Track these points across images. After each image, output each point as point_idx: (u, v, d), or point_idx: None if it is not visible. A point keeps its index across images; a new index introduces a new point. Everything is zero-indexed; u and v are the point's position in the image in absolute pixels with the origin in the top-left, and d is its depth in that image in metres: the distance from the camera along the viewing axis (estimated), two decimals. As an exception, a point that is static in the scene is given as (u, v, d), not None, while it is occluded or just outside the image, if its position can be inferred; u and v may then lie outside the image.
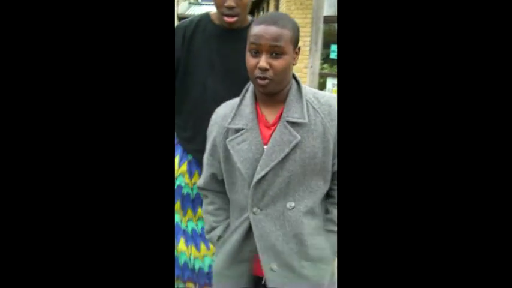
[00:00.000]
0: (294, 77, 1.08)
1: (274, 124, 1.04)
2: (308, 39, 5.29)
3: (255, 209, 1.05)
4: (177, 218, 1.57)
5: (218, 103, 1.18)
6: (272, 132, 1.03)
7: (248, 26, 1.33)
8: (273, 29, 0.95)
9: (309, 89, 1.09)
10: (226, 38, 1.40)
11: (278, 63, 0.97)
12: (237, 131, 1.05)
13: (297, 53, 1.03)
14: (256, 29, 0.97)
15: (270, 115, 1.07)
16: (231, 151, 1.05)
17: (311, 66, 4.75)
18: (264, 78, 0.97)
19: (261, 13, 11.12)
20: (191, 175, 1.56)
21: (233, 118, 1.06)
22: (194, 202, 1.56)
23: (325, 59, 5.37)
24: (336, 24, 5.45)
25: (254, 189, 1.03)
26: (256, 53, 0.97)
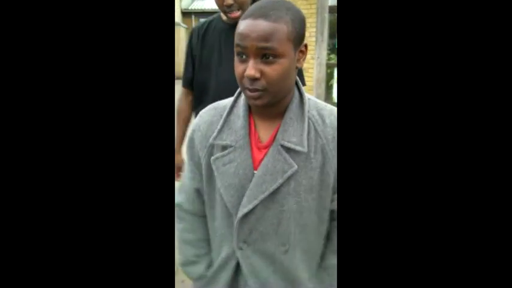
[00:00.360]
0: (297, 85, 0.86)
1: (268, 146, 0.83)
2: (314, 29, 5.22)
3: (241, 244, 0.87)
4: None
5: (231, 93, 1.01)
6: (264, 156, 0.83)
7: None
8: (262, 25, 0.71)
9: (313, 102, 0.87)
10: (233, 32, 1.45)
11: (272, 69, 0.74)
12: (224, 147, 0.84)
13: (302, 52, 0.79)
14: (241, 26, 0.74)
15: (264, 132, 0.85)
16: (215, 172, 0.85)
17: (318, 57, 4.69)
18: (254, 90, 0.75)
19: (264, 4, 11.05)
20: None
21: (220, 131, 0.85)
22: None
23: (332, 49, 5.32)
24: (342, 13, 5.38)
25: (239, 224, 0.84)
26: (243, 57, 0.75)
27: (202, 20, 1.62)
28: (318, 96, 4.81)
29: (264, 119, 0.85)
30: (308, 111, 0.84)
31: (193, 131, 0.91)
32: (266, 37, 0.71)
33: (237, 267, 0.91)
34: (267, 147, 0.83)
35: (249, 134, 0.84)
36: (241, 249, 0.87)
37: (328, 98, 5.46)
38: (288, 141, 0.80)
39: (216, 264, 0.93)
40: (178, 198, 0.99)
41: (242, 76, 0.75)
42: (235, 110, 0.86)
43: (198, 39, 1.54)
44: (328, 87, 5.49)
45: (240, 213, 0.83)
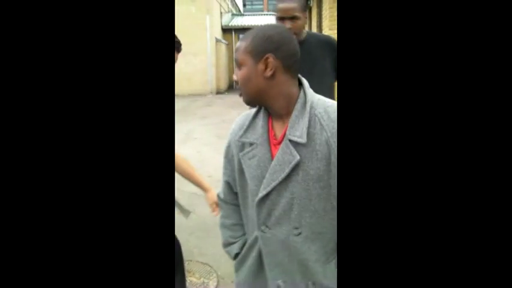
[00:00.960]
0: (303, 90, 1.00)
1: (280, 142, 0.98)
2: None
3: (263, 227, 1.02)
4: None
5: None
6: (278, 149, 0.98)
7: (305, 39, 1.80)
8: (242, 43, 0.97)
9: (322, 101, 0.99)
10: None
11: (239, 74, 0.98)
12: (250, 144, 1.01)
13: (265, 64, 0.93)
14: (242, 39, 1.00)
15: (279, 130, 1.00)
16: (243, 166, 1.02)
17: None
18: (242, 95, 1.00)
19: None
20: None
21: (245, 131, 1.02)
22: None
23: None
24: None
25: (258, 207, 0.99)
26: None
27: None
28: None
29: (278, 119, 1.00)
30: (314, 109, 0.97)
31: (230, 134, 1.09)
32: (236, 50, 0.98)
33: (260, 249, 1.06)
34: (280, 142, 0.97)
35: (268, 132, 1.01)
36: (263, 232, 1.02)
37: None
38: (293, 136, 0.94)
39: (247, 245, 1.10)
40: (218, 192, 1.21)
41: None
42: (259, 114, 1.03)
43: None
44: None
45: (257, 197, 0.98)
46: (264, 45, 0.93)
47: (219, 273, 2.41)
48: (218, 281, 2.34)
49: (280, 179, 0.95)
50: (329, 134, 0.95)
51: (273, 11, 1.81)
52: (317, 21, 8.03)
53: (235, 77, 0.99)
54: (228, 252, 1.18)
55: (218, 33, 15.40)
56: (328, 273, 1.02)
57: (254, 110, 1.05)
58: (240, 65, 0.96)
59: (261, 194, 0.97)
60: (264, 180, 0.97)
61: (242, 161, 1.02)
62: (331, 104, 0.99)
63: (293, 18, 1.71)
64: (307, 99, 0.97)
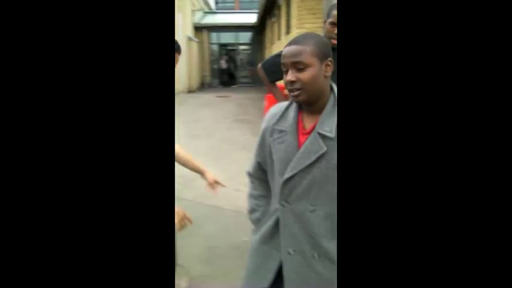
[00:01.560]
0: (332, 91, 1.17)
1: (309, 132, 1.15)
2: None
3: (283, 202, 1.19)
4: None
5: None
6: (306, 139, 1.15)
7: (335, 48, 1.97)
8: (293, 48, 1.10)
9: None
10: (335, 54, 1.98)
11: (303, 75, 1.09)
12: (280, 131, 1.19)
13: (328, 65, 1.12)
14: (285, 50, 1.12)
15: (308, 123, 1.17)
16: (273, 148, 1.20)
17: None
18: (294, 90, 1.11)
19: (273, 18, 11.20)
20: None
21: (278, 120, 1.20)
22: None
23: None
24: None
25: (283, 185, 1.17)
26: (286, 71, 1.12)
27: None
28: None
29: (308, 114, 1.18)
30: None
31: (264, 121, 1.28)
32: (296, 54, 1.09)
33: (277, 220, 1.22)
34: (309, 133, 1.15)
35: (297, 123, 1.18)
36: (282, 206, 1.19)
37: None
38: (323, 130, 1.12)
39: (268, 214, 1.28)
40: (248, 169, 1.40)
41: (286, 83, 1.11)
42: (291, 106, 1.21)
43: None
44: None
45: (284, 178, 1.16)
46: (326, 50, 1.12)
47: (191, 274, 2.41)
48: (190, 281, 2.34)
49: (305, 164, 1.12)
50: (331, 134, 1.13)
51: (328, 16, 1.98)
52: (286, 20, 8.09)
53: (292, 78, 1.10)
54: (251, 219, 1.38)
55: (190, 32, 15.25)
56: (331, 248, 1.17)
57: (286, 103, 1.23)
58: (306, 67, 1.09)
59: (287, 175, 1.15)
60: (291, 163, 1.14)
61: (272, 145, 1.20)
62: None
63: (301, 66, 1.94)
64: (335, 101, 1.15)
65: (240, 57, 18.48)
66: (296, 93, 1.10)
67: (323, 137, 1.11)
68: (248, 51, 18.49)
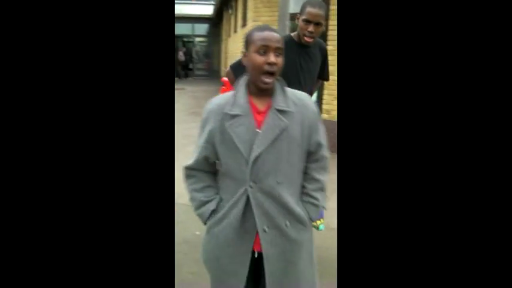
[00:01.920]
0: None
1: (265, 112, 1.25)
2: (276, 36, 5.33)
3: (251, 183, 1.24)
4: None
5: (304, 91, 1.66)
6: (264, 119, 1.24)
7: (314, 44, 2.09)
8: (276, 35, 1.21)
9: (287, 88, 1.31)
10: (305, 51, 2.11)
11: (280, 60, 1.22)
12: (234, 116, 1.23)
13: None
14: (264, 34, 1.21)
15: (260, 105, 1.27)
16: (231, 134, 1.22)
17: (279, 63, 4.80)
18: (272, 73, 1.20)
19: (229, 10, 11.10)
20: None
21: (231, 106, 1.24)
22: None
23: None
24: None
25: (252, 165, 1.22)
26: (263, 53, 1.20)
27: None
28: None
29: (259, 97, 1.28)
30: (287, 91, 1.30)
31: (208, 113, 1.29)
32: (279, 41, 1.21)
33: (247, 204, 1.26)
34: (265, 112, 1.25)
35: (251, 106, 1.26)
36: (251, 187, 1.24)
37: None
38: (280, 106, 1.24)
39: (228, 204, 1.28)
40: (188, 163, 1.36)
41: (263, 63, 1.19)
42: (238, 94, 1.27)
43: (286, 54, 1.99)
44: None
45: (252, 157, 1.21)
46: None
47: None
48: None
49: (271, 139, 1.21)
50: (301, 107, 1.27)
51: (301, 12, 1.98)
52: (242, 12, 8.05)
53: (275, 60, 1.20)
54: (201, 214, 1.34)
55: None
56: (298, 211, 1.29)
57: (230, 92, 1.30)
58: (280, 54, 1.23)
59: (255, 153, 1.21)
60: (257, 142, 1.21)
61: (229, 130, 1.22)
62: (293, 90, 1.33)
63: (318, 24, 1.95)
64: (281, 83, 1.30)
65: (196, 49, 18.22)
66: (271, 78, 1.21)
67: (281, 112, 1.23)
68: (204, 44, 18.27)
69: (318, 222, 2.07)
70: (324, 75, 2.31)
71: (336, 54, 3.94)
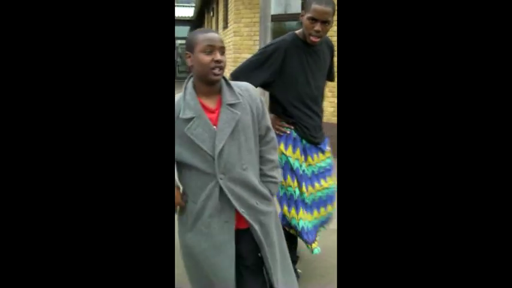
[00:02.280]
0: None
1: (216, 109, 1.37)
2: (257, 38, 5.32)
3: (221, 176, 1.36)
4: (297, 191, 1.98)
5: (314, 94, 1.91)
6: (217, 115, 1.36)
7: (320, 43, 1.95)
8: (219, 37, 1.36)
9: (231, 82, 1.44)
10: (312, 49, 1.98)
11: (225, 58, 1.36)
12: (189, 120, 1.32)
13: None
14: (210, 36, 1.34)
15: (211, 103, 1.38)
16: (191, 137, 1.32)
17: (262, 65, 4.78)
18: (220, 69, 1.32)
19: (211, 12, 11.06)
20: (306, 158, 2.02)
21: (184, 110, 1.33)
22: (311, 179, 2.02)
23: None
24: (285, 23, 5.54)
25: (218, 159, 1.34)
26: (209, 52, 1.32)
27: (281, 39, 2.01)
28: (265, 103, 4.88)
29: (208, 96, 1.39)
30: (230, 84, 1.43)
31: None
32: (222, 41, 1.35)
33: (219, 194, 1.38)
34: (216, 110, 1.37)
35: (201, 107, 1.35)
36: (221, 179, 1.36)
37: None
38: (230, 100, 1.36)
39: (200, 199, 1.39)
40: None
41: (211, 61, 1.31)
42: (187, 96, 1.37)
43: (284, 53, 1.91)
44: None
45: (216, 152, 1.33)
46: None
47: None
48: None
49: (229, 132, 1.34)
50: (246, 97, 1.41)
51: (305, 9, 1.82)
52: (223, 14, 8.02)
53: (220, 58, 1.32)
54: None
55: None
56: (261, 187, 1.47)
57: (179, 95, 1.38)
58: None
59: (219, 147, 1.32)
60: (217, 138, 1.33)
61: (188, 134, 1.32)
62: (237, 83, 1.47)
63: (325, 22, 1.81)
64: (226, 78, 1.42)
65: (178, 52, 18.09)
66: (220, 71, 1.33)
67: (231, 105, 1.36)
68: (185, 46, 18.15)
69: (313, 245, 1.99)
70: (329, 76, 2.16)
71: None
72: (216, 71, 1.32)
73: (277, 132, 1.98)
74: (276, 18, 5.29)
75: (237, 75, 1.96)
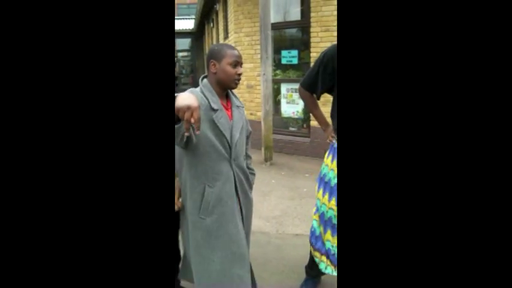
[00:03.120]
0: None
1: (228, 107, 1.68)
2: (258, 47, 5.34)
3: (232, 161, 1.65)
4: (324, 206, 1.99)
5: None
6: (231, 112, 1.68)
7: None
8: (238, 52, 1.66)
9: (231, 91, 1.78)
10: None
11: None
12: (216, 110, 1.58)
13: None
14: (236, 52, 1.63)
15: (223, 101, 1.67)
16: (217, 123, 1.58)
17: (264, 74, 4.79)
18: (239, 80, 1.64)
19: (211, 23, 11.13)
20: None
21: (211, 101, 1.58)
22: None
23: (277, 64, 5.44)
24: (285, 30, 5.55)
25: (233, 148, 1.64)
26: (236, 66, 1.61)
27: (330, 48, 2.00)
28: (266, 112, 4.89)
29: (221, 97, 1.66)
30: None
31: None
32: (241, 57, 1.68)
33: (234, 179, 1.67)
34: (227, 108, 1.68)
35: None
36: (232, 165, 1.65)
37: (277, 113, 5.55)
38: (237, 104, 1.73)
39: (220, 181, 1.62)
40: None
41: (235, 74, 1.61)
42: (208, 94, 1.61)
43: (331, 58, 1.91)
44: (276, 103, 5.59)
45: (234, 139, 1.64)
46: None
47: None
48: None
49: (240, 126, 1.68)
50: (241, 105, 1.78)
51: None
52: (223, 25, 8.07)
53: (241, 71, 1.65)
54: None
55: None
56: (252, 180, 1.84)
57: (195, 91, 1.61)
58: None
59: (235, 138, 1.64)
60: (234, 129, 1.64)
61: (215, 120, 1.57)
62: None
63: None
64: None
65: (180, 64, 18.20)
66: (239, 82, 1.65)
67: (238, 107, 1.72)
68: (187, 58, 18.27)
69: (332, 267, 1.98)
70: None
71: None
72: (237, 82, 1.63)
73: (329, 141, 2.04)
74: (275, 27, 5.30)
75: (306, 85, 2.02)
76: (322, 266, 2.01)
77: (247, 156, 1.86)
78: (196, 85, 1.69)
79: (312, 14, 4.90)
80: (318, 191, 2.03)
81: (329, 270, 1.98)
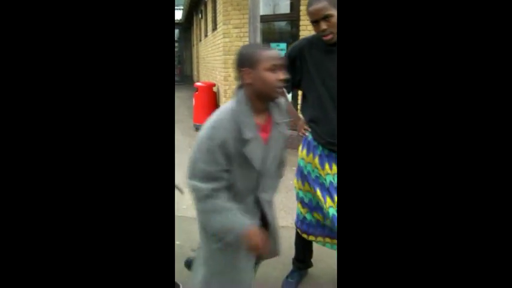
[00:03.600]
0: None
1: (265, 128, 1.38)
2: (247, 39, 5.32)
3: (261, 193, 1.44)
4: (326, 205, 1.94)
5: (333, 97, 1.75)
6: (267, 133, 1.38)
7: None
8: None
9: None
10: (330, 50, 1.85)
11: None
12: (249, 141, 1.31)
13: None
14: (275, 55, 1.31)
15: (261, 120, 1.37)
16: (249, 156, 1.32)
17: (252, 66, 4.77)
18: (281, 86, 1.32)
19: (199, 14, 11.03)
20: (322, 167, 1.93)
21: (244, 130, 1.30)
22: (329, 190, 1.93)
23: (266, 57, 5.42)
24: (274, 23, 5.53)
25: (261, 179, 1.41)
26: (275, 71, 1.30)
27: (303, 40, 2.00)
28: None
29: (259, 113, 1.36)
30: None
31: (222, 141, 1.29)
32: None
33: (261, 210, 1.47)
34: (264, 129, 1.37)
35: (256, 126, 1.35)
36: (260, 195, 1.43)
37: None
38: (278, 119, 1.40)
39: (247, 209, 1.41)
40: (207, 185, 1.33)
41: (276, 81, 1.30)
42: (242, 114, 1.32)
43: (308, 53, 1.90)
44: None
45: (265, 168, 1.39)
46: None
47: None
48: None
49: (280, 148, 1.45)
50: (283, 119, 1.45)
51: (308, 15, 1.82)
52: (212, 16, 8.00)
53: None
54: (233, 233, 1.38)
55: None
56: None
57: (226, 117, 1.31)
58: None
59: (267, 166, 1.39)
60: (268, 156, 1.37)
61: (246, 154, 1.31)
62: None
63: (326, 17, 1.74)
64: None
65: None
66: (281, 90, 1.35)
67: (277, 124, 1.40)
68: (175, 49, 18.09)
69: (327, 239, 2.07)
70: None
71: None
72: (279, 90, 1.32)
73: (300, 134, 2.04)
74: (265, 19, 5.28)
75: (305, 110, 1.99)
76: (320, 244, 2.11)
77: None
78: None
79: (302, 8, 4.89)
80: (298, 182, 2.09)
81: (328, 246, 2.05)
